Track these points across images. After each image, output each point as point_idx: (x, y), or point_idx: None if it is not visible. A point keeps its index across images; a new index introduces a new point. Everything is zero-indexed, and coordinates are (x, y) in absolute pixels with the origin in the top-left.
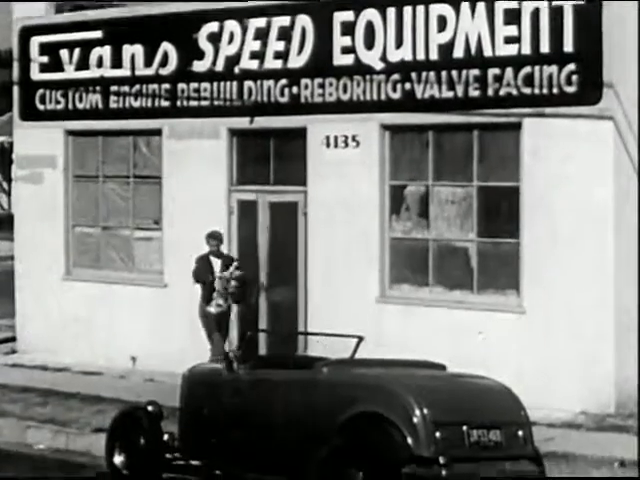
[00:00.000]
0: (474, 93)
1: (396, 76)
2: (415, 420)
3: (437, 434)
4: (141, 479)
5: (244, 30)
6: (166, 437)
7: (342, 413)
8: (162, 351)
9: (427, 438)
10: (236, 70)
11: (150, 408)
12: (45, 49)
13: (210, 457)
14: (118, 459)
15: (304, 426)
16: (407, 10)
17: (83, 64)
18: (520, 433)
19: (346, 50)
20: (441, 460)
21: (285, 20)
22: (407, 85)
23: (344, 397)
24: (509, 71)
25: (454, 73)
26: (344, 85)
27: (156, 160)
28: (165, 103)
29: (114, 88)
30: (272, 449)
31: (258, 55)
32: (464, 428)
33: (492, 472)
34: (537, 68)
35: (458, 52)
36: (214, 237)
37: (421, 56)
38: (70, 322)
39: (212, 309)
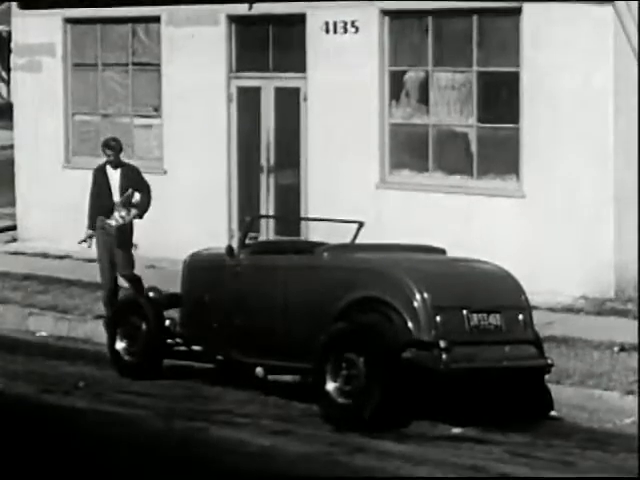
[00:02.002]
0: None
1: None
2: (415, 304)
3: (437, 318)
4: (143, 365)
5: None
6: (167, 323)
7: (343, 298)
8: (163, 237)
9: (427, 322)
10: None
11: (151, 294)
12: None
13: (211, 342)
14: (120, 345)
15: (305, 311)
16: None
17: None
18: (520, 317)
19: None
20: (441, 344)
21: None
22: None
23: (344, 282)
24: None
25: None
26: None
27: (155, 47)
28: None
29: None
30: (273, 334)
31: None
32: (464, 312)
33: (492, 356)
34: None
35: None
36: (109, 146)
37: None
38: (70, 210)
39: (113, 222)
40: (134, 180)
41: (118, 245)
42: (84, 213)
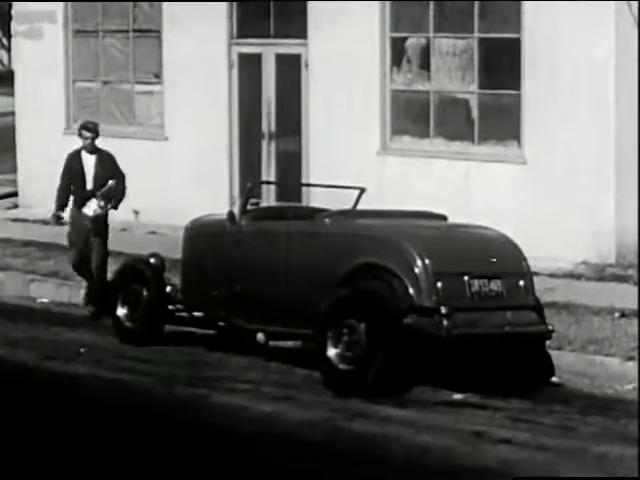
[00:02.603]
0: None
1: None
2: (417, 270)
3: (438, 284)
4: (144, 331)
5: None
6: (169, 289)
7: (344, 264)
8: (164, 204)
9: (429, 288)
10: None
11: (153, 260)
12: None
13: (212, 309)
14: (121, 311)
15: (306, 277)
16: None
17: None
18: (521, 283)
19: None
20: (442, 310)
21: None
22: None
23: (346, 248)
24: None
25: None
26: None
27: (155, 14)
28: None
29: None
30: (274, 300)
31: None
32: (465, 278)
33: (493, 322)
34: None
35: None
36: (88, 129)
37: None
38: None
39: (91, 212)
40: (110, 168)
41: (95, 235)
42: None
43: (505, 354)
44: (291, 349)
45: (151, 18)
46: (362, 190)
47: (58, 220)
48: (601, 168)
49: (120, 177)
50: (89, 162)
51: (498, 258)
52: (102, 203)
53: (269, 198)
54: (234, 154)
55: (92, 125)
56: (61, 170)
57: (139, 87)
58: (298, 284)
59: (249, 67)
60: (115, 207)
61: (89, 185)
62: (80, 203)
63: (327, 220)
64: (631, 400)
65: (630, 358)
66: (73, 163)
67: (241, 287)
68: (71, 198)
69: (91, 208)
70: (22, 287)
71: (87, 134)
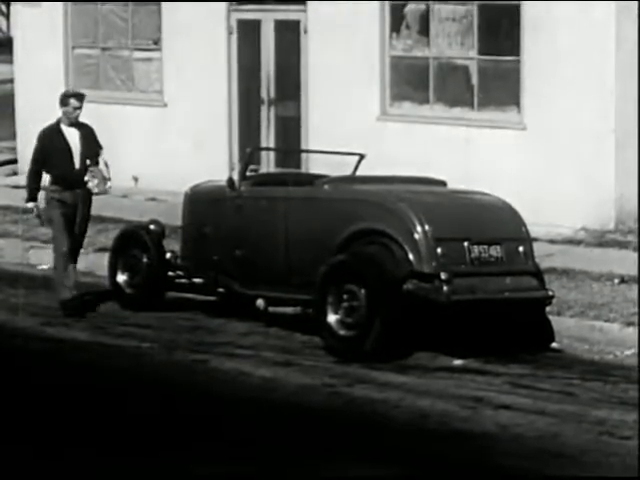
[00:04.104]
0: None
1: None
2: (416, 236)
3: (438, 250)
4: (144, 297)
5: None
6: (168, 255)
7: (343, 230)
8: (163, 170)
9: (428, 254)
10: None
11: (152, 227)
12: None
13: (212, 275)
14: (121, 278)
15: (305, 243)
16: None
17: None
18: (521, 249)
19: None
20: (442, 276)
21: None
22: None
23: (345, 214)
24: None
25: None
26: None
27: None
28: None
29: None
30: (274, 266)
31: None
32: (465, 244)
33: (493, 287)
34: None
35: None
36: (79, 97)
37: None
38: None
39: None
40: (94, 143)
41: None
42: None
43: (505, 320)
44: (291, 315)
45: None
46: (362, 156)
47: (38, 214)
48: (601, 133)
49: (100, 152)
50: (73, 137)
51: (498, 224)
52: (96, 181)
53: (268, 164)
54: (233, 120)
55: (82, 94)
56: (35, 150)
57: (138, 54)
58: (297, 250)
59: (248, 33)
60: (106, 190)
61: (77, 164)
62: (64, 184)
63: (326, 186)
64: (631, 366)
65: (630, 324)
66: (55, 140)
67: (241, 253)
68: (45, 179)
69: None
70: (22, 254)
71: (77, 103)
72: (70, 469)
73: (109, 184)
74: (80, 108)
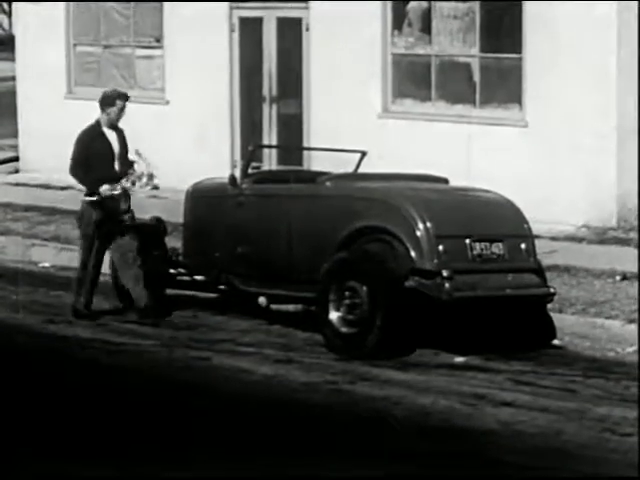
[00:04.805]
0: None
1: None
2: (418, 233)
3: (440, 247)
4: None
5: None
6: (170, 252)
7: (345, 227)
8: (165, 167)
9: (430, 251)
10: None
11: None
12: None
13: (214, 272)
14: None
15: (307, 240)
16: None
17: None
18: (523, 246)
19: None
20: (444, 273)
21: None
22: None
23: (347, 211)
24: None
25: None
26: None
27: None
28: None
29: None
30: (275, 263)
31: None
32: (467, 241)
33: (494, 284)
34: None
35: None
36: (124, 97)
37: None
38: (72, 141)
39: (116, 191)
40: (126, 146)
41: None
42: None
43: (506, 317)
44: (293, 312)
45: None
46: (363, 153)
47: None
48: (603, 130)
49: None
50: (113, 139)
51: (500, 221)
52: (129, 185)
53: (270, 161)
54: (235, 118)
55: (127, 95)
56: (77, 151)
57: (140, 51)
58: (299, 247)
59: (250, 31)
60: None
61: (117, 167)
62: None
63: (328, 183)
64: (632, 363)
65: (631, 321)
66: (98, 141)
67: (242, 250)
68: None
69: (115, 188)
70: (23, 251)
71: (120, 103)
72: (70, 469)
73: (156, 180)
74: (123, 109)
